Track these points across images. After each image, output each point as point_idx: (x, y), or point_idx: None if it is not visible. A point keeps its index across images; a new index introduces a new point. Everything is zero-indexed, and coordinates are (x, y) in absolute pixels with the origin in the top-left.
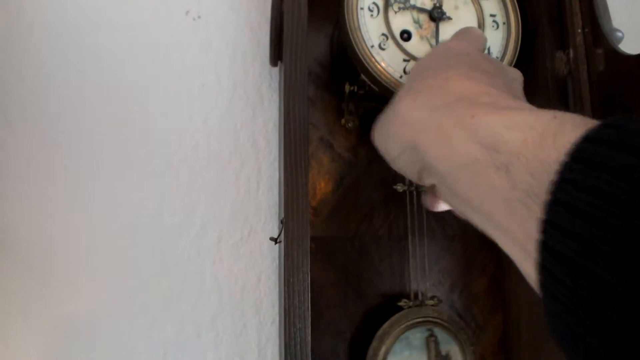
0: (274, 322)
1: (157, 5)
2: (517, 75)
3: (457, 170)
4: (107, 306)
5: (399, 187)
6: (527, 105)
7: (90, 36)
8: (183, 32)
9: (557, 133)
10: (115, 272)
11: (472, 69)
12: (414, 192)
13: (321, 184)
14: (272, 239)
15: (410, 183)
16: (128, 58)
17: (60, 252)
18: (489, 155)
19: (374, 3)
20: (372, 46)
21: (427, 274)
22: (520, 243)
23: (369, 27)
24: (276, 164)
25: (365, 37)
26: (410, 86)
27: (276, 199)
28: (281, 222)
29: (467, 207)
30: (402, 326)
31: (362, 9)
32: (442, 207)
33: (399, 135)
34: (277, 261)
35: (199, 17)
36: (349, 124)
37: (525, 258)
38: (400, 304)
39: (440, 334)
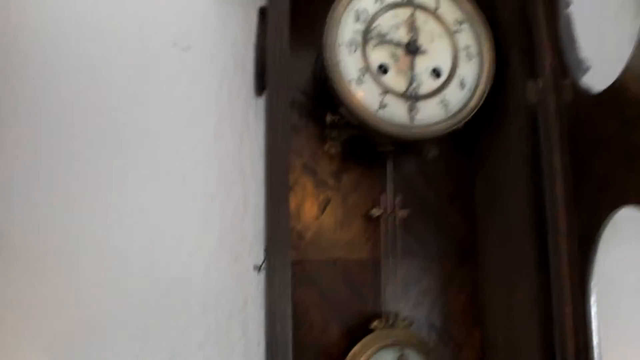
0: (259, 343)
1: (146, 37)
2: None
3: None
4: (97, 332)
5: (374, 212)
6: None
7: (83, 67)
8: (171, 63)
9: None
10: (104, 299)
11: None
12: (389, 217)
13: (305, 209)
14: (255, 267)
15: (386, 208)
16: (118, 88)
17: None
18: None
19: (353, 39)
20: (351, 80)
21: (398, 296)
22: None
23: (348, 62)
24: (262, 192)
25: (344, 72)
26: None
27: (262, 225)
28: (265, 251)
29: None
30: (373, 347)
31: (341, 45)
32: None
33: None
34: (262, 284)
35: (188, 47)
36: (332, 150)
37: None
38: (372, 326)
39: (412, 355)
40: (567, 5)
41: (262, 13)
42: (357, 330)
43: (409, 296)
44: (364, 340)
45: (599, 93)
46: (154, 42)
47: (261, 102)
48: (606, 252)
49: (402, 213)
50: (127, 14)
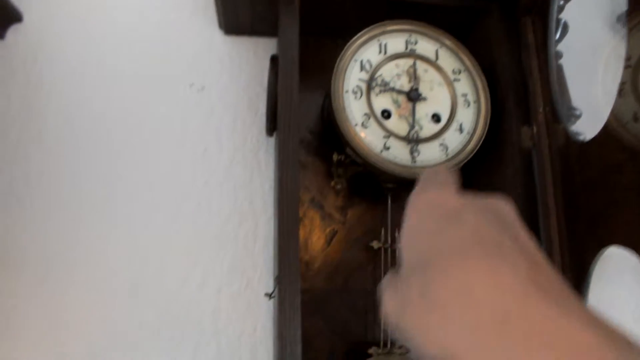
0: None
1: (164, 79)
2: (512, 220)
3: None
4: (110, 354)
5: (374, 244)
6: (575, 319)
7: (103, 107)
8: (188, 102)
9: None
10: (120, 322)
11: (486, 256)
12: (388, 249)
13: (313, 240)
14: (266, 294)
15: (385, 240)
16: (139, 125)
17: (64, 301)
18: None
19: (358, 86)
20: (356, 124)
21: None
22: None
23: (353, 107)
24: (272, 223)
25: (350, 116)
26: (424, 293)
27: (271, 253)
28: (275, 279)
29: None
30: None
31: (347, 92)
32: None
33: (437, 347)
34: (271, 311)
35: (202, 88)
36: (338, 186)
37: None
38: (370, 351)
39: None
40: (560, 56)
41: (273, 60)
42: (359, 357)
43: None
44: None
45: (588, 140)
46: (172, 82)
47: (271, 141)
48: (597, 288)
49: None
50: (147, 56)
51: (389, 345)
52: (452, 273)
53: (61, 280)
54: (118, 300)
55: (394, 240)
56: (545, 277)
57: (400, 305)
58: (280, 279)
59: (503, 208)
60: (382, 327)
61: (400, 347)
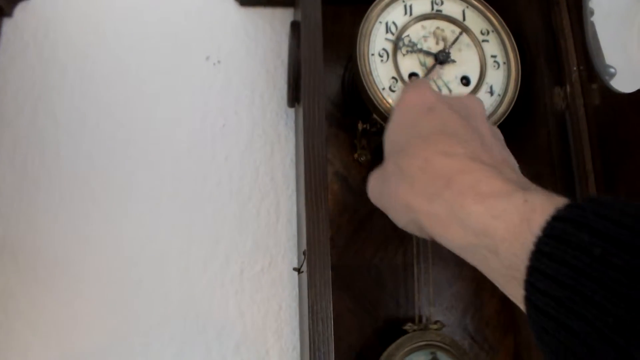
0: (294, 348)
1: (180, 52)
2: (478, 114)
3: (458, 250)
4: (137, 335)
5: None
6: (501, 179)
7: (119, 81)
8: (205, 76)
9: (530, 219)
10: (144, 303)
11: (446, 139)
12: None
13: (337, 215)
14: (295, 269)
15: None
16: (155, 100)
17: (92, 282)
18: (480, 240)
19: (384, 49)
20: (383, 89)
21: (431, 299)
22: (518, 301)
23: (380, 71)
24: (294, 198)
25: (377, 80)
26: (398, 169)
27: (294, 230)
28: (303, 253)
29: None
30: (406, 349)
31: (372, 55)
32: None
33: (404, 213)
34: (297, 290)
35: (218, 62)
36: (362, 158)
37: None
38: (405, 327)
39: (443, 358)
40: (592, 14)
41: (294, 26)
42: (391, 334)
43: (442, 300)
44: (397, 341)
45: (628, 94)
46: (187, 56)
47: (291, 114)
48: None
49: None
50: (161, 29)
51: (424, 321)
52: (417, 153)
53: (87, 258)
54: (144, 284)
55: None
56: (490, 157)
57: (380, 182)
58: (309, 252)
59: (471, 103)
60: (416, 303)
61: (436, 322)
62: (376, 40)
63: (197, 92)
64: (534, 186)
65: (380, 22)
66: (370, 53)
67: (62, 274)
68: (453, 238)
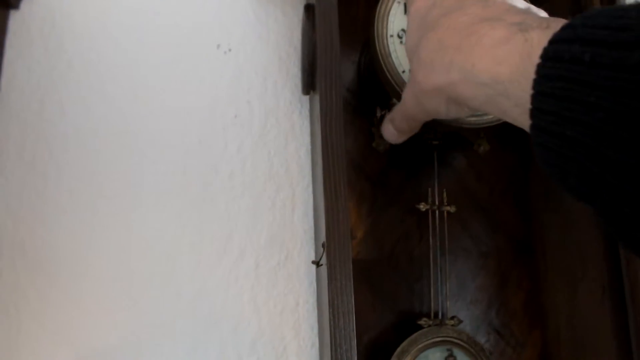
0: (313, 345)
1: (189, 41)
2: None
3: (484, 106)
4: (149, 332)
5: (422, 207)
6: (503, 27)
7: (127, 72)
8: (215, 65)
9: (530, 53)
10: (157, 299)
11: (450, 15)
12: (437, 212)
13: (355, 207)
14: (314, 262)
15: (433, 201)
16: (164, 91)
17: (102, 278)
18: (494, 89)
19: (403, 30)
20: (403, 71)
21: (448, 293)
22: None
23: (399, 52)
24: (310, 189)
25: (396, 62)
26: (421, 63)
27: (311, 223)
28: (322, 245)
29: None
30: (421, 345)
31: (391, 36)
32: (401, 138)
33: (436, 96)
34: (314, 284)
35: (229, 50)
36: (380, 147)
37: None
38: (420, 322)
39: (460, 355)
40: None
41: (308, 9)
42: (411, 329)
43: (465, 293)
44: (412, 337)
45: None
46: (197, 44)
47: (305, 103)
48: None
49: (449, 208)
50: (170, 18)
51: (440, 316)
52: (430, 37)
53: (97, 254)
54: (156, 279)
55: (442, 202)
56: (492, 12)
57: (411, 91)
58: (329, 244)
59: None
60: (432, 297)
61: (452, 317)
62: (395, 21)
63: (207, 82)
64: (538, 22)
65: (399, 3)
66: (389, 34)
67: (72, 269)
68: (475, 96)
